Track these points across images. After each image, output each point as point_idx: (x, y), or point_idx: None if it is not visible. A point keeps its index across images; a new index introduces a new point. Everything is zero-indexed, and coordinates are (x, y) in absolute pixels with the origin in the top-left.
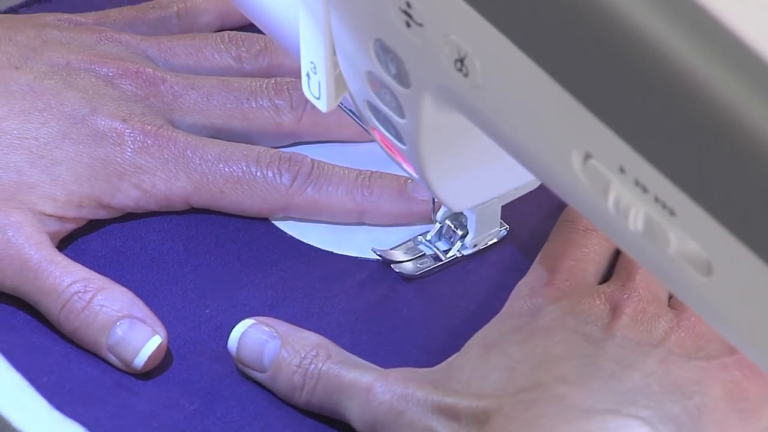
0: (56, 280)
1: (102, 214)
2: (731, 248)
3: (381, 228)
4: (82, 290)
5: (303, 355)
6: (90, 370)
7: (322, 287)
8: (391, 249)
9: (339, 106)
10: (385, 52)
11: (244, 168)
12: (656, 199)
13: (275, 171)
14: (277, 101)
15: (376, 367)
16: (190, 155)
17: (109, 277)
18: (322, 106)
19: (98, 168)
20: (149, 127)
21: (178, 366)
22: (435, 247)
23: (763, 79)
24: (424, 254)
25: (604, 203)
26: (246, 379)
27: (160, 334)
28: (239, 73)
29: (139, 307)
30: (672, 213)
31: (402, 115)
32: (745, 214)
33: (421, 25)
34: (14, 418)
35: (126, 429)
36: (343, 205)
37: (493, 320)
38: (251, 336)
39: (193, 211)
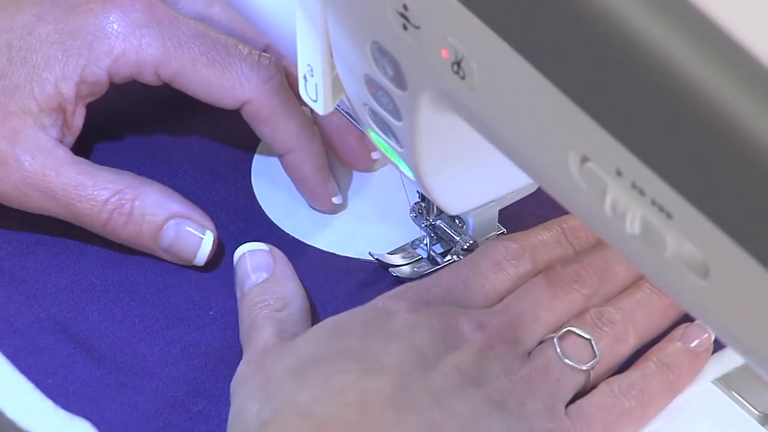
0: (90, 204)
1: (83, 92)
2: (728, 251)
3: (383, 230)
4: (118, 204)
5: (269, 304)
6: (94, 370)
7: (325, 288)
8: (388, 253)
9: (336, 108)
10: (382, 54)
11: (222, 52)
12: (653, 202)
13: (253, 65)
14: None
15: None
16: (168, 24)
17: (112, 279)
18: (319, 108)
19: (68, 44)
20: None
21: (184, 367)
22: (432, 250)
23: (760, 82)
24: (421, 258)
25: (601, 206)
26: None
27: (210, 229)
28: None
29: (178, 201)
30: (669, 216)
31: (399, 117)
32: (742, 216)
33: (417, 27)
34: (21, 421)
35: (131, 428)
36: (297, 127)
37: (358, 308)
38: (245, 262)
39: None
